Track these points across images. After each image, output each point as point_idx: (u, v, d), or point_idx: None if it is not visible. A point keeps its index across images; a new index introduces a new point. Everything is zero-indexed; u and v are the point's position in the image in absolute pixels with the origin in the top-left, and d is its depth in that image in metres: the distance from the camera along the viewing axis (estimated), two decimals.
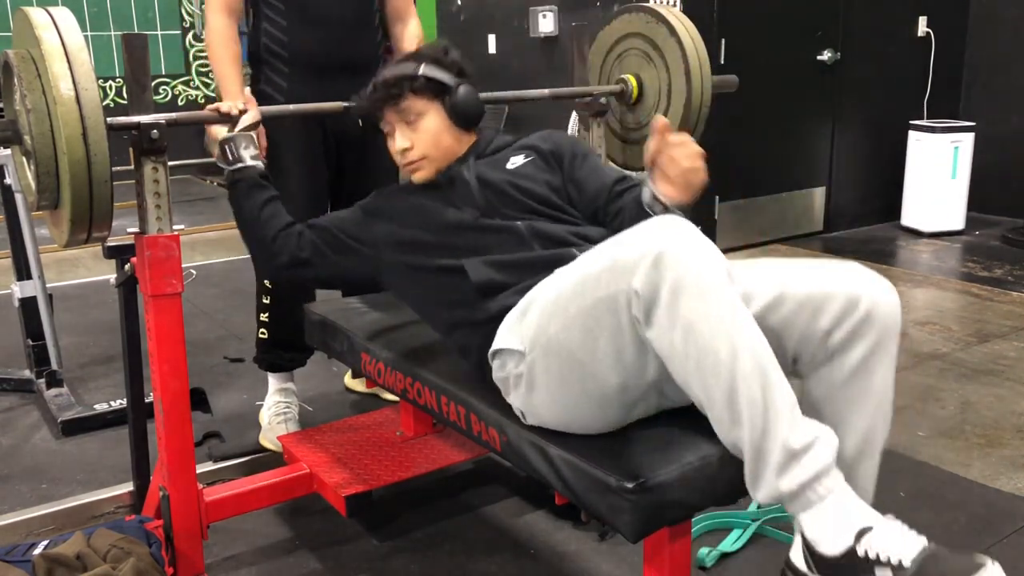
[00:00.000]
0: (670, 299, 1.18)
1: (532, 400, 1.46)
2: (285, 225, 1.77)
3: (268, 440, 2.46)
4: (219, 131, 1.81)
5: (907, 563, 1.08)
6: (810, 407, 1.35)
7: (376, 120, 1.79)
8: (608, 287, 1.25)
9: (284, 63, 2.31)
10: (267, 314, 2.45)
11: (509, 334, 1.48)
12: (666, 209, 1.47)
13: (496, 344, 1.51)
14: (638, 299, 1.20)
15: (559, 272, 1.42)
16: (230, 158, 1.76)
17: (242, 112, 1.79)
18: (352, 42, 2.35)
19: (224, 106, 1.78)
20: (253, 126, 1.80)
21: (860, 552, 1.12)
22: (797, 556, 1.22)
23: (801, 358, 1.38)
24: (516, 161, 1.77)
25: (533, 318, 1.42)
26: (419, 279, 1.71)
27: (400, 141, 1.74)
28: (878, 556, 1.10)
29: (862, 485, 1.33)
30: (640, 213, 1.51)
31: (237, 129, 1.77)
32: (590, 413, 1.40)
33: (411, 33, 2.52)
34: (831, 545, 1.15)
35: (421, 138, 1.73)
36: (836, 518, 1.16)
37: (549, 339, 1.37)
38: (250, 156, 1.76)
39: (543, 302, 1.40)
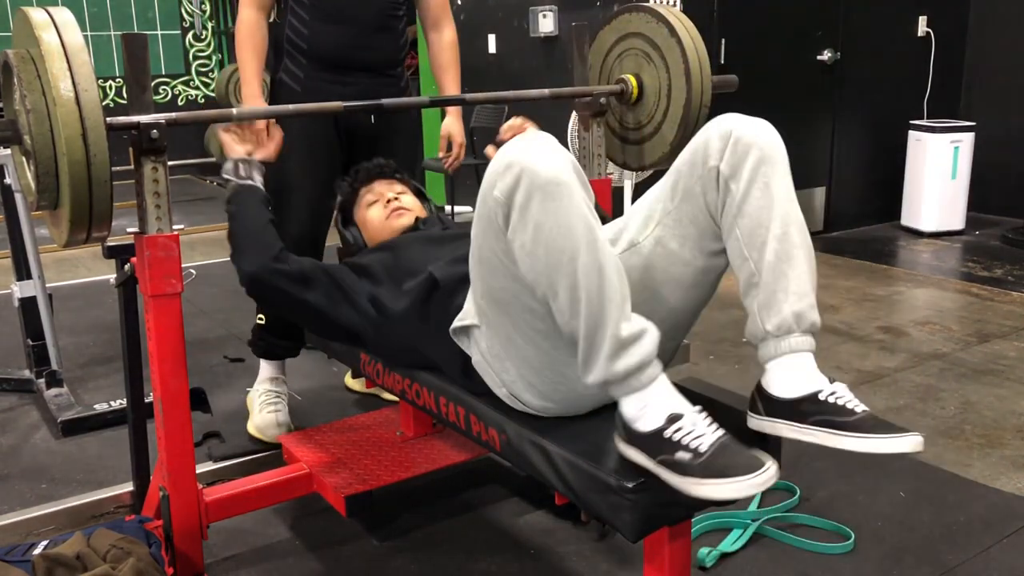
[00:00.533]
0: (523, 202, 1.29)
1: (508, 375, 1.52)
2: (284, 246, 1.81)
3: (256, 428, 2.50)
4: (236, 150, 1.91)
5: (703, 450, 1.23)
6: (733, 243, 1.44)
7: (353, 204, 2.15)
8: (485, 213, 1.37)
9: (304, 56, 2.36)
10: None
11: (464, 313, 1.58)
12: None
13: (457, 322, 1.58)
14: (498, 205, 1.32)
15: None
16: (242, 174, 1.89)
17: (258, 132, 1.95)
18: (371, 43, 2.38)
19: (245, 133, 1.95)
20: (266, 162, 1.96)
21: (666, 434, 1.27)
22: (618, 432, 1.36)
23: (715, 209, 1.46)
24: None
25: (472, 286, 1.53)
26: (398, 310, 1.76)
27: (390, 194, 2.10)
28: (680, 440, 1.25)
29: (793, 289, 1.38)
30: None
31: (257, 157, 1.93)
32: (550, 361, 1.46)
33: (446, 41, 2.56)
34: (644, 423, 1.30)
35: (406, 199, 2.11)
36: (652, 403, 1.30)
37: (482, 295, 1.48)
38: (259, 182, 1.91)
39: (471, 267, 1.50)
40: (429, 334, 1.70)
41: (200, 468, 2.27)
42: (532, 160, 1.29)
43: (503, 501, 2.25)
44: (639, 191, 3.99)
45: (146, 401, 1.95)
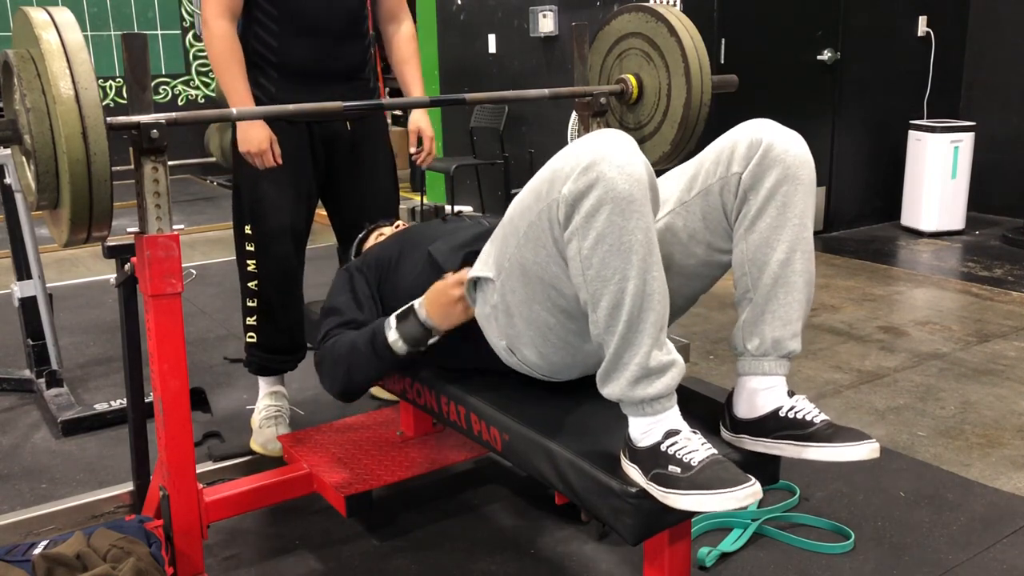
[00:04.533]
0: (591, 210, 1.27)
1: (513, 330, 1.53)
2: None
3: (258, 444, 2.46)
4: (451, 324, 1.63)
5: (693, 464, 1.27)
6: (738, 254, 1.45)
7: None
8: (547, 198, 1.35)
9: (274, 69, 2.29)
10: (254, 318, 2.43)
11: (482, 264, 1.56)
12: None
13: (472, 272, 1.57)
14: (563, 202, 1.30)
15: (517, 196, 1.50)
16: (427, 344, 1.64)
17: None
18: (342, 51, 2.34)
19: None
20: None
21: (662, 448, 1.31)
22: (623, 450, 1.38)
23: (729, 214, 1.47)
24: None
25: (497, 243, 1.51)
26: (404, 286, 1.78)
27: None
28: (674, 454, 1.29)
29: (780, 315, 1.42)
30: None
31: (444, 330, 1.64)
32: (562, 329, 1.47)
33: (404, 34, 2.52)
34: (643, 440, 1.33)
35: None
36: (657, 427, 1.33)
37: (510, 259, 1.47)
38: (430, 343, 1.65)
39: (503, 226, 1.50)
40: None
41: (200, 468, 2.27)
42: (612, 170, 1.26)
43: (503, 501, 2.25)
44: None
45: (146, 401, 1.95)
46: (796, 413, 1.38)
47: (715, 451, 1.31)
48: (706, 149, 1.51)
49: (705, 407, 1.58)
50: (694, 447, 1.29)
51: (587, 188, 1.27)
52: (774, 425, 1.39)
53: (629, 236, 1.26)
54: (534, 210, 1.38)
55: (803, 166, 1.42)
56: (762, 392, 1.42)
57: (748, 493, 1.23)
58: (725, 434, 1.48)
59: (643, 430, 1.33)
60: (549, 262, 1.39)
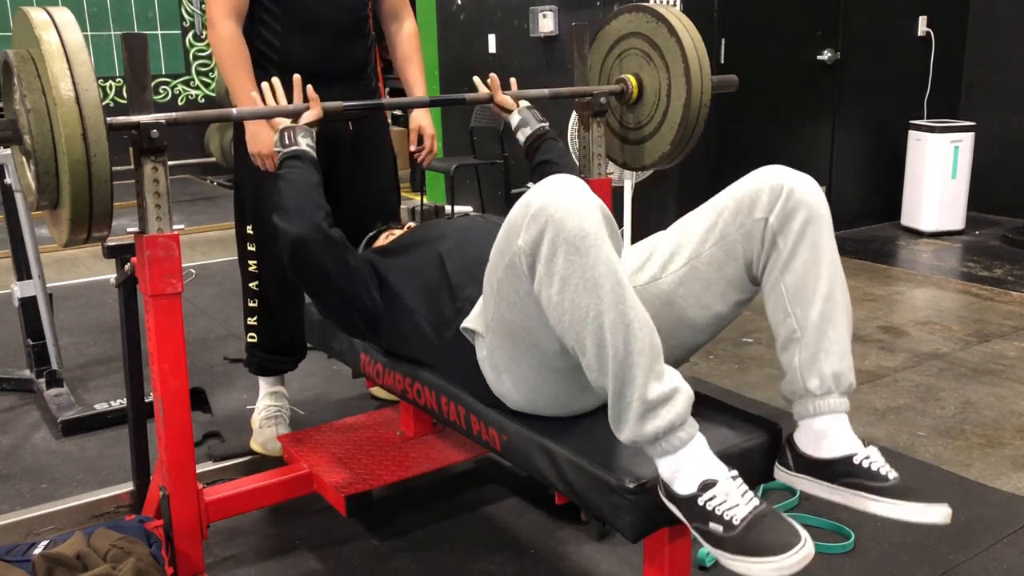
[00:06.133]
0: (548, 255, 1.27)
1: (502, 387, 1.54)
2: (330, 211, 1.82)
3: (258, 444, 2.46)
4: (281, 120, 1.88)
5: (736, 522, 1.21)
6: (775, 298, 1.44)
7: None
8: (508, 252, 1.35)
9: (277, 68, 2.26)
10: (255, 318, 2.43)
11: (473, 317, 1.57)
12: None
13: (465, 323, 1.58)
14: (523, 255, 1.31)
15: None
16: (287, 142, 1.82)
17: (305, 109, 1.86)
18: (345, 50, 2.33)
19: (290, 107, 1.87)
20: (315, 123, 1.88)
21: (700, 502, 1.24)
22: (658, 484, 1.33)
23: (754, 260, 1.47)
24: None
25: (483, 298, 1.52)
26: (407, 290, 1.77)
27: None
28: (714, 510, 1.23)
29: (835, 350, 1.40)
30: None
31: (301, 122, 1.85)
32: (550, 389, 1.48)
33: (407, 32, 2.51)
34: (678, 487, 1.28)
35: None
36: (686, 466, 1.27)
37: (493, 318, 1.47)
38: (307, 144, 1.84)
39: (485, 281, 1.49)
40: (433, 323, 1.71)
41: (200, 468, 2.27)
42: (558, 211, 1.26)
43: (503, 501, 2.25)
44: (639, 191, 3.99)
45: (146, 401, 1.95)
46: (871, 464, 1.34)
47: (757, 502, 1.24)
48: (722, 197, 1.50)
49: (706, 407, 1.58)
50: (734, 501, 1.23)
51: (539, 234, 1.27)
52: (843, 470, 1.35)
53: (591, 272, 1.25)
54: (500, 266, 1.39)
55: (823, 206, 1.44)
56: (833, 433, 1.37)
57: (801, 557, 1.17)
58: (781, 474, 1.43)
59: (671, 470, 1.28)
60: (523, 318, 1.39)
